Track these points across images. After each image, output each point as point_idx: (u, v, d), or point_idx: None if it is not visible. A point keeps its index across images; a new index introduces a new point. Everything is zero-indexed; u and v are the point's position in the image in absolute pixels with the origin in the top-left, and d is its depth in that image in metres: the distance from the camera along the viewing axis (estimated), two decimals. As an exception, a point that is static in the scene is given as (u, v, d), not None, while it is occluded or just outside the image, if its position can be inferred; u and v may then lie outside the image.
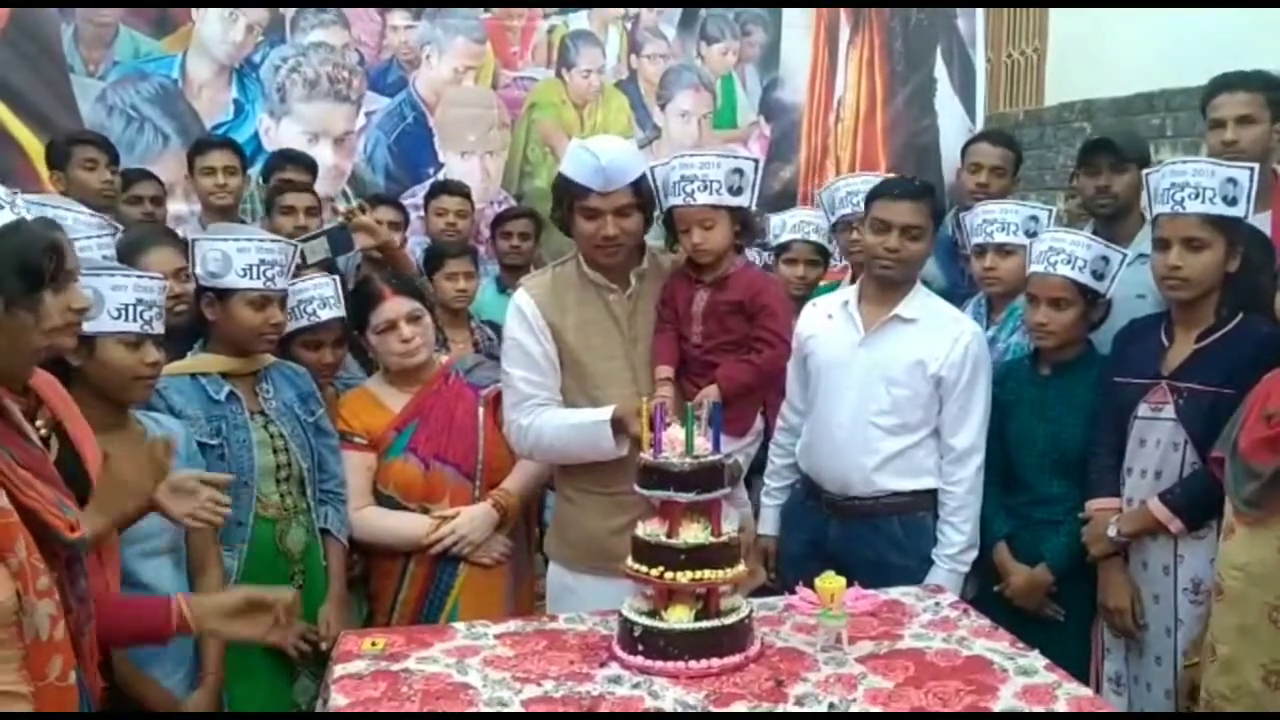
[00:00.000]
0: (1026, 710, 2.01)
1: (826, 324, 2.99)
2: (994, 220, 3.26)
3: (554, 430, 2.67)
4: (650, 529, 2.21)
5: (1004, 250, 3.24)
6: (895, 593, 2.59)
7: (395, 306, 2.97)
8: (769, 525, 3.13)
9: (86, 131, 4.37)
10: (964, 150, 4.25)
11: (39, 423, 1.95)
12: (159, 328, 2.44)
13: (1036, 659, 2.21)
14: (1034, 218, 3.24)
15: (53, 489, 1.71)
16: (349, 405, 3.04)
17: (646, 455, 2.23)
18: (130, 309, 2.36)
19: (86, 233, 2.83)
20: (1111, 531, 2.76)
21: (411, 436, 2.97)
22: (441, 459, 2.96)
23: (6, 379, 1.70)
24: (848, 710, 2.02)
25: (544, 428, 2.68)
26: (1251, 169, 2.62)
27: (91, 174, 3.95)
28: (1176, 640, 2.71)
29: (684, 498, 2.16)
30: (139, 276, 2.43)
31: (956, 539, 2.85)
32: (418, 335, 2.98)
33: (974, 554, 2.87)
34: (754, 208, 2.76)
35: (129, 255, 2.84)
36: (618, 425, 2.59)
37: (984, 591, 2.94)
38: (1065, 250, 2.89)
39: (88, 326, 2.17)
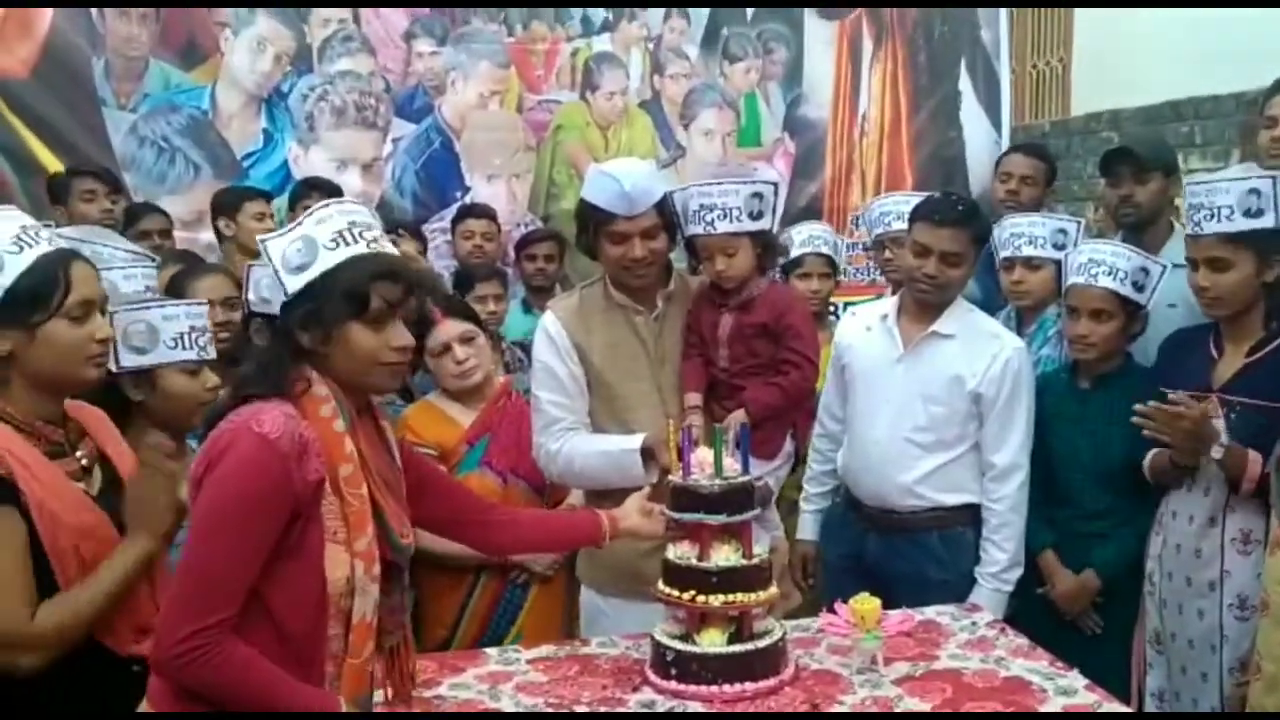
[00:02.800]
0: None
1: (865, 336, 2.97)
2: (1021, 234, 3.24)
3: (583, 457, 2.66)
4: (681, 552, 2.20)
5: (1032, 264, 3.22)
6: (931, 612, 2.56)
7: (448, 330, 3.01)
8: (808, 531, 3.12)
9: (84, 164, 4.46)
10: (997, 163, 4.25)
11: (80, 453, 2.01)
12: (213, 352, 2.50)
13: (1076, 678, 2.18)
14: (1062, 230, 3.21)
15: (399, 505, 1.96)
16: (417, 418, 3.08)
17: (675, 478, 2.22)
18: (185, 337, 2.42)
19: (125, 264, 2.87)
20: (1216, 454, 2.55)
21: (485, 450, 3.02)
22: (516, 473, 3.01)
23: (360, 388, 1.91)
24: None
25: (574, 454, 2.67)
26: (1274, 178, 2.56)
27: (90, 205, 4.04)
28: (1222, 657, 2.66)
29: (714, 520, 2.15)
30: (188, 304, 2.51)
31: (999, 557, 2.81)
32: (471, 356, 3.03)
33: (1018, 572, 2.83)
34: (776, 229, 2.75)
35: (179, 284, 2.88)
36: (647, 454, 2.57)
37: (1024, 604, 2.89)
38: (1106, 262, 2.86)
39: (146, 360, 2.34)
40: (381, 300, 1.83)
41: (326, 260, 1.83)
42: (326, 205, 1.90)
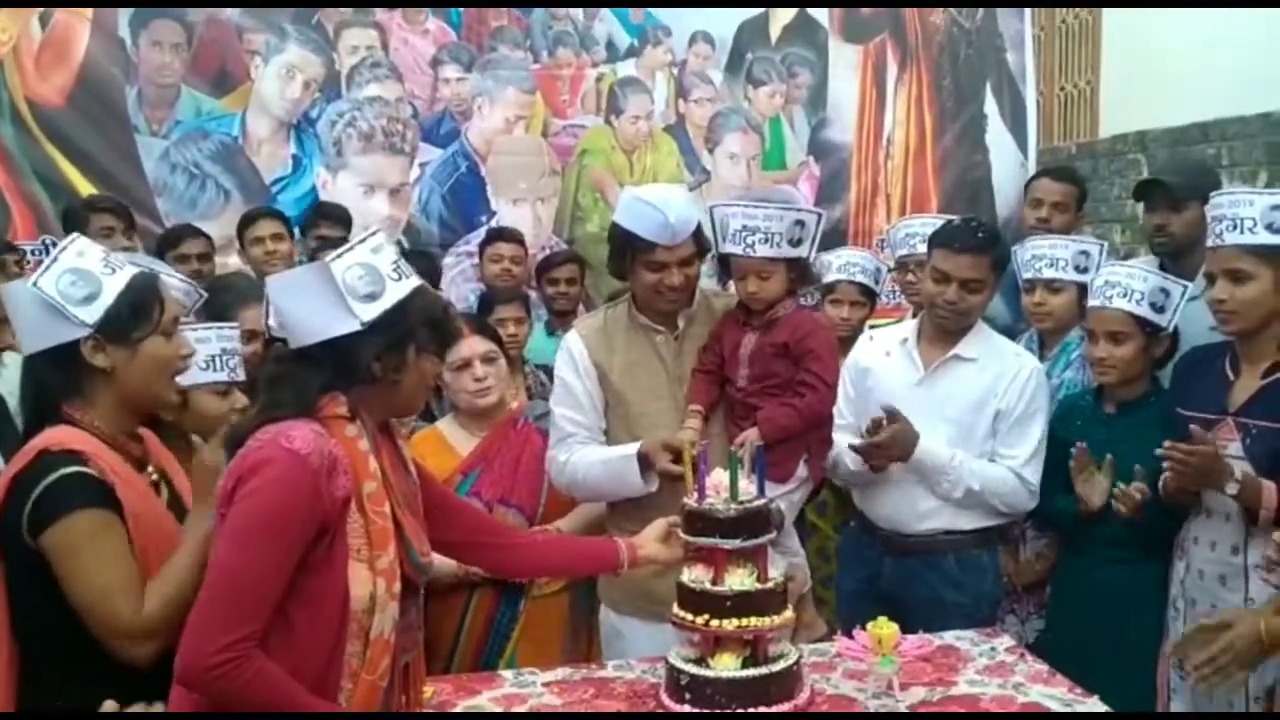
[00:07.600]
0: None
1: (884, 360, 2.97)
2: (1042, 256, 3.23)
3: (586, 466, 2.70)
4: (695, 575, 2.19)
5: (1053, 286, 3.21)
6: (950, 637, 2.54)
7: (471, 345, 2.99)
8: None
9: (101, 197, 4.49)
10: (1026, 186, 4.23)
11: (149, 469, 2.08)
12: (242, 374, 2.55)
13: (1095, 705, 2.16)
14: (1084, 253, 3.20)
15: (418, 523, 1.99)
16: (418, 445, 3.05)
17: (690, 501, 2.22)
18: (217, 359, 2.48)
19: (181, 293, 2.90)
20: (1231, 490, 2.51)
21: (475, 481, 3.00)
22: (505, 502, 2.99)
23: (403, 413, 2.05)
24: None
25: (578, 464, 2.72)
26: None
27: (108, 242, 4.04)
28: (1248, 684, 2.60)
29: (729, 544, 2.14)
30: (219, 328, 2.56)
31: (950, 454, 2.79)
32: (490, 376, 3.01)
33: (945, 480, 2.80)
34: (813, 257, 2.76)
35: (223, 306, 2.92)
36: (645, 460, 2.60)
37: (1049, 629, 2.87)
38: (1121, 283, 2.84)
39: (182, 380, 2.31)
40: (456, 331, 1.92)
41: (394, 290, 1.87)
42: (375, 233, 1.94)
